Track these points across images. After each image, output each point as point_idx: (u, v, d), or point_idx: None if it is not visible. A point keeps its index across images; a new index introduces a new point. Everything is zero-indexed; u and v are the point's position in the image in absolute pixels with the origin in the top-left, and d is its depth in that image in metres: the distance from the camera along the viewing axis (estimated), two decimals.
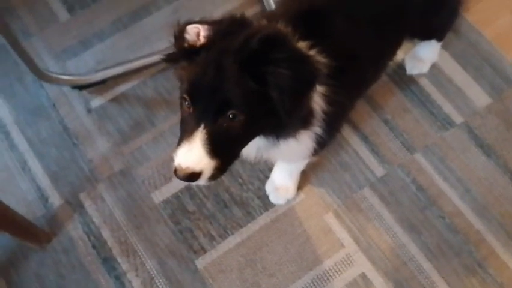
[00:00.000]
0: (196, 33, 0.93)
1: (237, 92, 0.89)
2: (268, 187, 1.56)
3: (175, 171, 0.93)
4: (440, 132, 1.62)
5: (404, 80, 1.68)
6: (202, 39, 0.92)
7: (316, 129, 1.08)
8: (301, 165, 1.47)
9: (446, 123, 1.63)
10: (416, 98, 1.66)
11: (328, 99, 1.04)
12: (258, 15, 1.12)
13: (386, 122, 1.64)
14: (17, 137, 1.67)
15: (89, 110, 1.69)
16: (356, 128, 1.63)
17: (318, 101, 1.03)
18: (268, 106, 0.91)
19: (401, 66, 1.69)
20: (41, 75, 1.63)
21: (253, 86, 0.89)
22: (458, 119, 1.63)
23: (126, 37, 1.79)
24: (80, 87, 1.71)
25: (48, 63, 1.75)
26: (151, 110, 1.69)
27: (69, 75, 1.70)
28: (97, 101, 1.71)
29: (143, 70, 1.73)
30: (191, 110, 0.93)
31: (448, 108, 1.65)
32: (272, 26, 0.98)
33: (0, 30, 1.45)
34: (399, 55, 1.68)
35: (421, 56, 1.65)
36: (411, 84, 1.68)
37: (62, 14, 1.83)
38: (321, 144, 1.16)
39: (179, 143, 0.94)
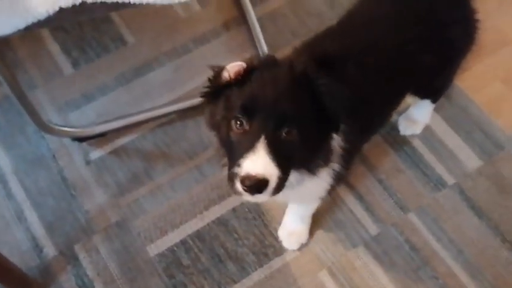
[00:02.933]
0: (238, 71, 1.00)
1: (293, 108, 0.96)
2: (281, 233, 1.58)
3: (243, 181, 0.93)
4: (433, 193, 1.66)
5: (397, 141, 1.73)
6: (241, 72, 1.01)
7: (335, 165, 1.14)
8: (313, 207, 1.50)
9: (439, 184, 1.67)
10: (409, 158, 1.70)
11: (344, 137, 1.11)
12: None
13: (380, 181, 1.67)
14: (15, 187, 1.68)
15: (88, 162, 1.72)
16: (351, 187, 1.66)
17: (336, 139, 1.10)
18: (313, 128, 0.99)
19: (395, 127, 1.74)
20: (44, 127, 1.66)
21: (306, 105, 0.98)
22: (450, 180, 1.67)
23: (128, 92, 1.84)
24: (80, 139, 1.74)
25: (51, 115, 1.79)
26: (149, 163, 1.71)
27: (70, 127, 1.73)
28: (96, 153, 1.73)
29: (142, 124, 1.77)
30: (247, 126, 0.97)
31: (440, 169, 1.69)
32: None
33: (8, 82, 1.50)
34: (394, 117, 1.73)
35: (415, 118, 1.71)
36: (405, 145, 1.72)
37: (67, 68, 1.88)
38: (337, 181, 1.21)
39: (235, 160, 0.96)
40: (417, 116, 1.70)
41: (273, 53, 1.08)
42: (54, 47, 1.92)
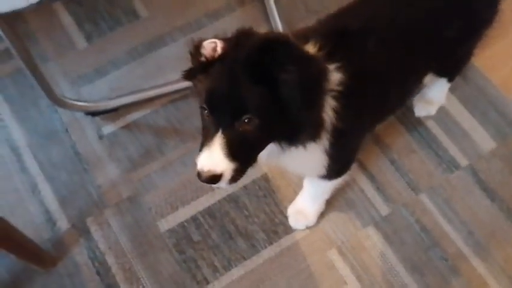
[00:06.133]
0: (213, 48, 0.98)
1: (250, 97, 0.95)
2: (290, 210, 1.59)
3: (198, 175, 0.99)
4: (445, 174, 1.64)
5: (411, 122, 1.71)
6: (219, 52, 0.98)
7: (325, 142, 1.12)
8: (327, 192, 1.50)
9: (452, 165, 1.65)
10: (422, 139, 1.69)
11: (340, 116, 1.08)
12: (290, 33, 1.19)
13: (392, 161, 1.66)
14: (29, 160, 1.70)
15: (100, 136, 1.73)
16: (362, 166, 1.65)
17: (329, 114, 1.07)
18: (281, 110, 0.97)
19: (409, 108, 1.72)
20: (57, 101, 1.67)
21: (264, 91, 0.95)
22: (463, 161, 1.66)
23: (141, 66, 1.83)
24: (93, 114, 1.74)
25: (64, 89, 1.79)
26: (161, 138, 1.72)
27: (83, 101, 1.73)
28: (108, 128, 1.74)
29: (155, 99, 1.76)
30: (209, 117, 0.99)
31: (453, 150, 1.67)
32: (274, 33, 1.01)
33: (21, 55, 1.50)
34: None
35: (430, 98, 1.69)
36: (419, 126, 1.71)
37: (80, 41, 1.88)
38: (334, 161, 1.19)
39: (200, 149, 1.00)
40: (432, 96, 1.68)
41: (286, 29, 1.01)
42: (67, 20, 1.91)
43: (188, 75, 1.04)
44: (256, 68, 0.93)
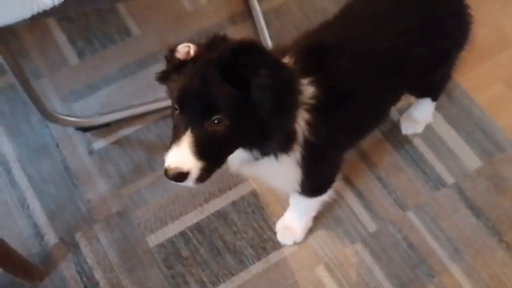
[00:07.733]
0: (187, 52, 1.00)
1: (221, 98, 0.96)
2: (278, 225, 1.60)
3: (165, 172, 0.99)
4: (432, 191, 1.67)
5: (398, 140, 1.74)
6: (192, 54, 1.00)
7: (297, 155, 1.13)
8: (312, 208, 1.52)
9: (438, 183, 1.68)
10: (409, 157, 1.71)
11: (313, 129, 1.09)
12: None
13: (380, 179, 1.68)
14: (18, 174, 1.70)
15: (91, 152, 1.74)
16: (350, 183, 1.67)
17: (302, 127, 1.09)
18: (252, 114, 0.98)
19: (397, 126, 1.75)
20: (48, 116, 1.68)
21: (235, 92, 0.96)
22: (449, 179, 1.68)
23: (132, 83, 1.85)
24: (84, 129, 1.75)
25: (55, 105, 1.81)
26: (152, 155, 1.73)
27: (75, 117, 1.75)
28: (99, 143, 1.75)
29: (146, 116, 1.78)
30: (180, 116, 1.00)
31: (440, 168, 1.70)
32: (248, 38, 1.04)
33: (13, 71, 1.51)
34: (395, 115, 1.74)
35: (416, 117, 1.71)
36: (406, 144, 1.73)
37: (72, 58, 1.90)
38: (308, 177, 1.20)
39: (169, 147, 1.01)
40: (418, 115, 1.71)
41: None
42: (60, 37, 1.94)
43: (162, 77, 1.06)
44: (229, 69, 0.95)
